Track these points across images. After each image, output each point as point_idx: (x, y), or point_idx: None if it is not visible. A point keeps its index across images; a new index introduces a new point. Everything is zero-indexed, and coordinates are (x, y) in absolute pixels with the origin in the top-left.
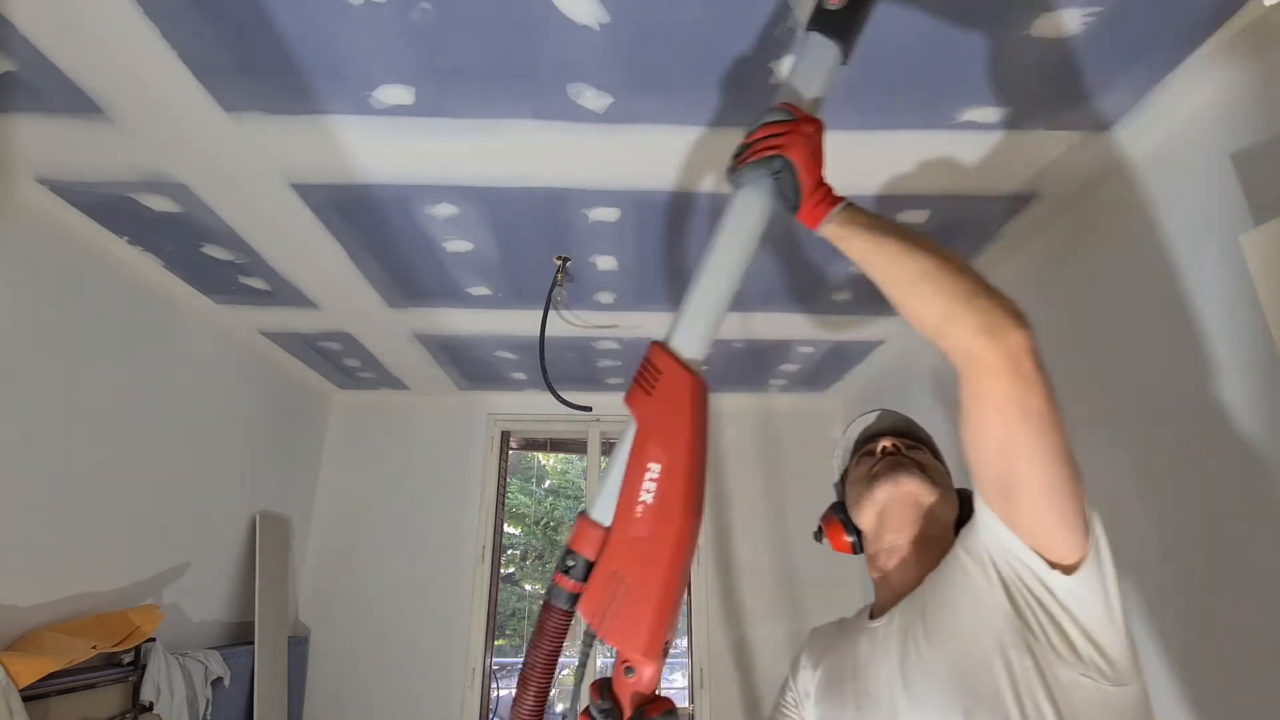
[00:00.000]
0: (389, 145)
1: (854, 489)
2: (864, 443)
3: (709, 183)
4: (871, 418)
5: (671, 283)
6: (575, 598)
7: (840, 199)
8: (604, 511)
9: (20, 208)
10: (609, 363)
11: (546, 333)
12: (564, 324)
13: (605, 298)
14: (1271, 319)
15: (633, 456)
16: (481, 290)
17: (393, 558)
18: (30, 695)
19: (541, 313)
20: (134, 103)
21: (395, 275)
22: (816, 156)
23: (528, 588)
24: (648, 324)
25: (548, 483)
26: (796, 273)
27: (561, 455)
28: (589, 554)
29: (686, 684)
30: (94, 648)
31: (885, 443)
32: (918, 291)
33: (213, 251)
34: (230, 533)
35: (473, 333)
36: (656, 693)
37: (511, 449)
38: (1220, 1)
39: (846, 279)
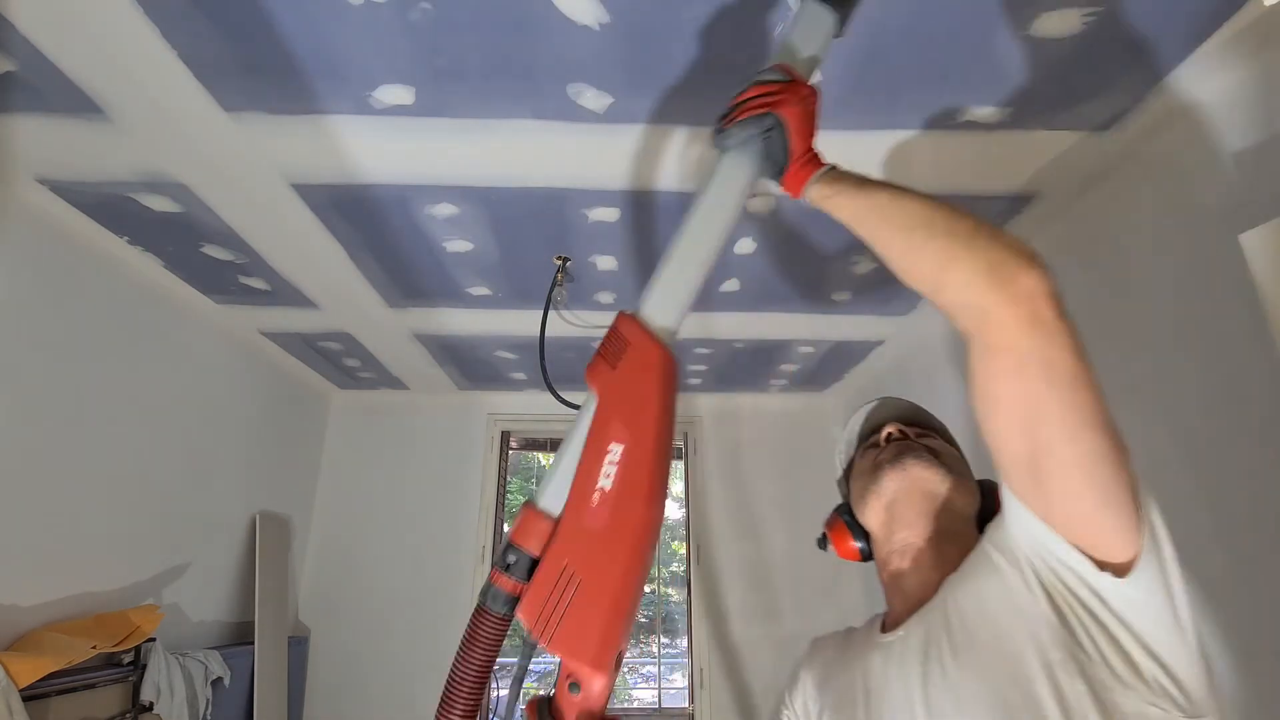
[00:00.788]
0: (389, 145)
1: (858, 484)
2: (869, 434)
3: None
4: (873, 406)
5: None
6: (515, 601)
7: (825, 163)
8: (554, 500)
9: (20, 208)
10: None
11: (546, 333)
12: (564, 324)
13: (605, 298)
14: (1273, 319)
15: (591, 436)
16: (481, 290)
17: (393, 558)
18: (30, 695)
19: (541, 313)
20: (134, 103)
21: (395, 275)
22: (810, 120)
23: None
24: None
25: None
26: (796, 273)
27: None
28: (534, 549)
29: (686, 684)
30: (94, 648)
31: (890, 429)
32: (910, 242)
33: (213, 251)
34: (230, 533)
35: (473, 333)
36: (606, 712)
37: (511, 449)
38: (1220, 1)
39: (846, 279)
